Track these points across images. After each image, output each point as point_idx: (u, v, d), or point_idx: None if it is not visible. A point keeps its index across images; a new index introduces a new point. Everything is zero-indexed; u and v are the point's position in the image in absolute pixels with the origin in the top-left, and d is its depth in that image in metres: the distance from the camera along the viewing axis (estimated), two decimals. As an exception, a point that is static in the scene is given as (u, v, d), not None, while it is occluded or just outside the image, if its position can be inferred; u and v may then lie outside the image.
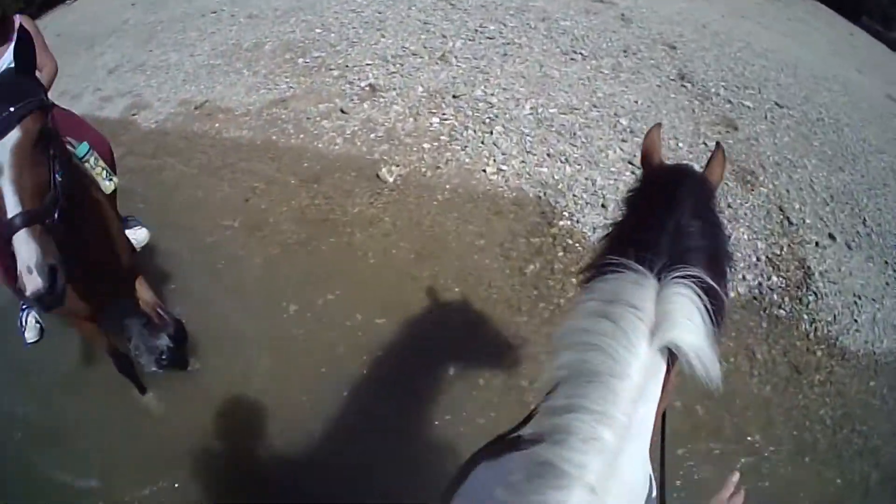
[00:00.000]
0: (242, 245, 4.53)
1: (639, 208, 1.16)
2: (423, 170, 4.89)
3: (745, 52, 6.91)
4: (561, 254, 4.18)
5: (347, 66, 6.20)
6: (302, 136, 5.41)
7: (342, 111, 5.56)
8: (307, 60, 6.44)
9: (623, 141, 5.09)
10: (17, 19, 3.02)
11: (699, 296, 0.88)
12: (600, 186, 4.64)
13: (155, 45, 7.80)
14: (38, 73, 3.09)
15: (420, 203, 4.60)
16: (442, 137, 5.14)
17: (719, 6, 8.94)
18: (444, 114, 5.36)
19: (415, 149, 5.06)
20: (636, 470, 0.88)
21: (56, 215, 1.96)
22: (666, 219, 0.99)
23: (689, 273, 0.89)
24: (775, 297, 4.08)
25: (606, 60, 6.08)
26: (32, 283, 1.81)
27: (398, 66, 6.07)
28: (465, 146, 5.02)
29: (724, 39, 7.13)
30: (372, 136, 5.25)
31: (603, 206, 4.51)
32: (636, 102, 5.52)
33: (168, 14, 8.65)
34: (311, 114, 5.63)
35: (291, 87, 6.06)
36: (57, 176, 2.00)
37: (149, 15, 8.89)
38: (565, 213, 4.44)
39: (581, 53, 6.15)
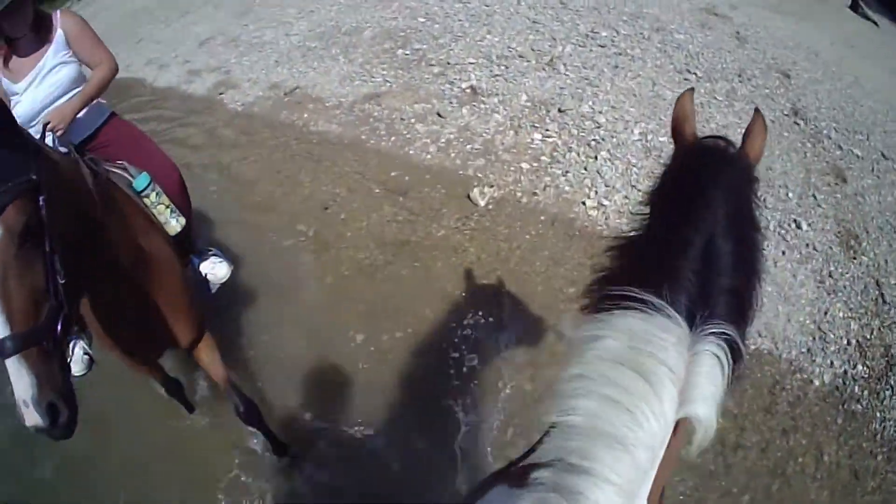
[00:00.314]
0: (314, 258, 4.13)
1: (667, 211, 1.00)
2: (519, 194, 4.31)
3: (855, 90, 5.95)
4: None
5: (449, 63, 5.66)
6: (393, 138, 4.93)
7: (439, 115, 5.04)
8: (407, 52, 5.94)
9: None
10: (57, 16, 2.62)
11: (728, 358, 0.80)
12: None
13: (251, 20, 7.50)
14: (85, 74, 2.69)
15: (510, 235, 4.03)
16: (542, 158, 4.54)
17: (828, 32, 7.86)
18: (547, 129, 4.75)
19: (512, 168, 4.49)
20: None
21: (59, 329, 1.48)
22: (696, 236, 0.87)
23: (723, 331, 0.80)
24: (856, 388, 3.37)
25: (721, 84, 5.30)
26: (30, 418, 1.38)
27: (503, 68, 5.48)
28: (567, 171, 4.41)
29: (836, 72, 6.17)
30: (468, 147, 4.71)
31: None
32: None
33: (269, -14, 8.32)
34: (405, 114, 5.13)
35: (388, 82, 5.58)
36: (59, 279, 1.50)
37: (249, -15, 8.59)
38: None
39: (696, 73, 5.38)
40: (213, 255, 3.17)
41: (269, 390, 3.36)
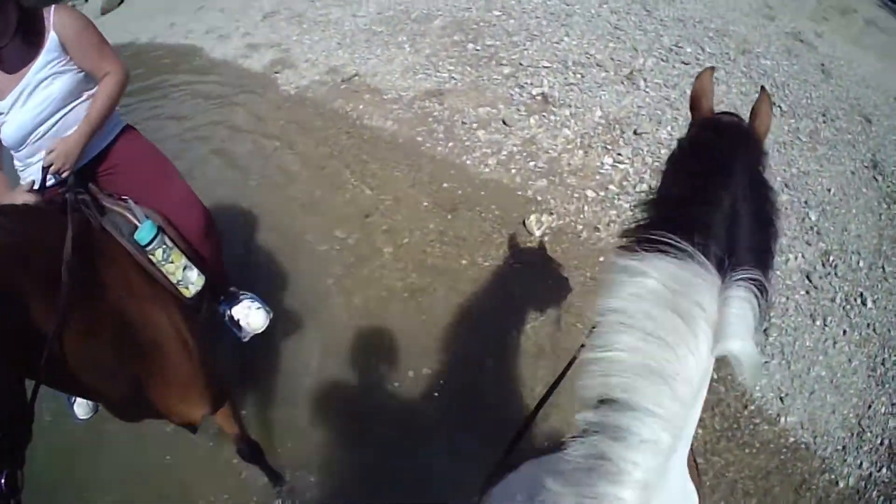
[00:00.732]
0: (346, 271, 3.72)
1: (689, 174, 1.05)
2: (580, 227, 3.79)
3: None
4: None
5: (521, 65, 5.13)
6: (451, 144, 4.46)
7: (504, 122, 4.54)
8: (478, 48, 5.44)
9: (807, 244, 3.76)
10: (50, 14, 2.05)
11: (757, 300, 0.84)
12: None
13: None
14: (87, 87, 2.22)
15: (563, 275, 3.52)
16: (611, 186, 4.00)
17: None
18: (619, 153, 4.20)
19: (576, 194, 3.97)
20: (682, 474, 0.91)
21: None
22: (721, 195, 0.93)
23: (750, 276, 0.84)
24: (875, 493, 2.87)
25: (805, 123, 4.64)
26: None
27: (578, 76, 4.93)
28: (636, 206, 3.84)
29: None
30: (531, 164, 4.20)
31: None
32: (829, 191, 4.12)
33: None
34: (467, 117, 4.65)
35: (453, 78, 5.10)
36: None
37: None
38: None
39: (780, 107, 4.73)
40: (248, 299, 2.71)
41: (275, 405, 3.11)
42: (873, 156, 4.56)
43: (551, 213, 3.83)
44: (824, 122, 4.75)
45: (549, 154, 4.25)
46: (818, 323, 3.40)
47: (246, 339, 2.70)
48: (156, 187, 2.25)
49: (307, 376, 3.20)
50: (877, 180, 4.39)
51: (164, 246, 2.01)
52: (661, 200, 1.10)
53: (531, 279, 3.50)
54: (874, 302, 3.49)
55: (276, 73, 5.91)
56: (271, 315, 2.73)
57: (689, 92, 1.27)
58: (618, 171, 4.08)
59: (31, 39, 2.03)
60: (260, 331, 2.69)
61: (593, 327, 0.89)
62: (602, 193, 3.95)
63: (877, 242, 3.90)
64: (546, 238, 3.71)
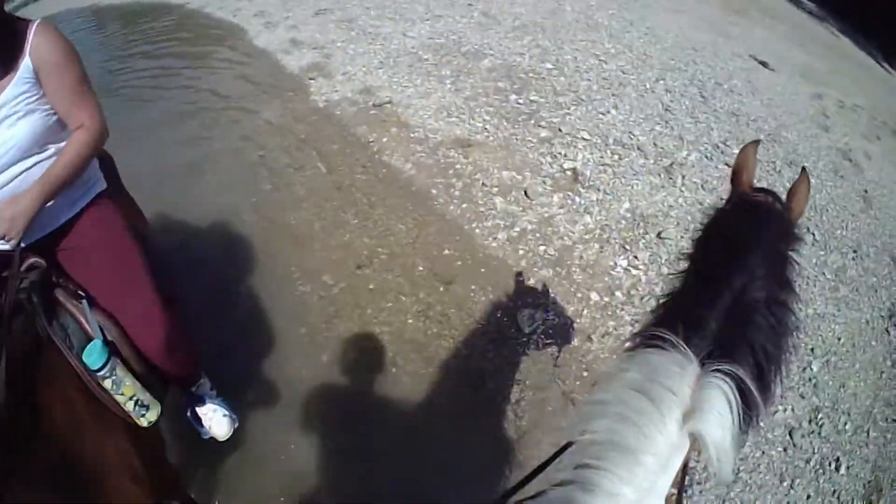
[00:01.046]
0: (320, 323, 3.47)
1: (700, 266, 1.16)
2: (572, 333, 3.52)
3: None
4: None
5: (560, 131, 4.86)
6: (465, 205, 4.20)
7: (526, 193, 4.27)
8: (520, 101, 5.18)
9: (801, 397, 3.45)
10: (31, 33, 1.67)
11: (733, 391, 0.89)
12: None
13: (375, 5, 6.88)
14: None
15: (542, 384, 3.24)
16: (617, 293, 3.71)
17: None
18: (636, 256, 3.91)
19: (579, 295, 3.68)
20: None
21: None
22: (723, 290, 1.00)
23: (729, 369, 0.90)
24: None
25: (834, 257, 4.34)
26: None
27: (616, 157, 4.65)
28: (636, 321, 3.57)
29: None
30: (542, 248, 3.93)
31: None
32: (838, 340, 3.82)
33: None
34: (490, 178, 4.39)
35: (486, 130, 4.84)
36: None
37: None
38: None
39: (814, 234, 4.44)
40: (215, 403, 2.40)
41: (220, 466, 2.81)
42: (892, 305, 4.26)
43: (547, 311, 3.55)
44: (854, 258, 4.46)
45: (564, 241, 3.98)
46: (785, 484, 3.11)
47: (206, 437, 2.45)
48: (118, 288, 1.87)
49: (255, 436, 2.95)
50: (888, 332, 4.11)
51: (115, 377, 1.68)
52: (672, 294, 1.18)
53: (506, 379, 3.23)
54: (847, 468, 3.22)
55: (311, 79, 5.69)
56: (236, 424, 2.45)
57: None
58: (629, 277, 3.80)
59: (3, 58, 1.65)
60: (223, 439, 2.41)
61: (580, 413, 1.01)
62: (606, 299, 3.67)
63: (869, 403, 3.61)
64: (536, 337, 3.44)
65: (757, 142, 1.34)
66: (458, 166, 4.48)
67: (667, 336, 0.94)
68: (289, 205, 4.27)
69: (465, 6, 6.75)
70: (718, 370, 0.90)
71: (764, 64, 7.20)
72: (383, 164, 4.56)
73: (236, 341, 3.30)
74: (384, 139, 4.79)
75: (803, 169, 1.28)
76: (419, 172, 4.46)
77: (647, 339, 1.00)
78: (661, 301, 1.20)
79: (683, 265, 1.21)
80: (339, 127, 4.99)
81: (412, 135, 4.81)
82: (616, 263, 3.88)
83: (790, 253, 1.10)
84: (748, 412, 0.93)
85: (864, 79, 9.63)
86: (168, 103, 5.72)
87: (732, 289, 0.99)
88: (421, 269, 3.76)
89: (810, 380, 3.57)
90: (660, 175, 4.56)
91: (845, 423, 3.41)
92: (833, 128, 6.29)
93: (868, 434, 3.40)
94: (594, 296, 3.68)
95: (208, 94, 5.69)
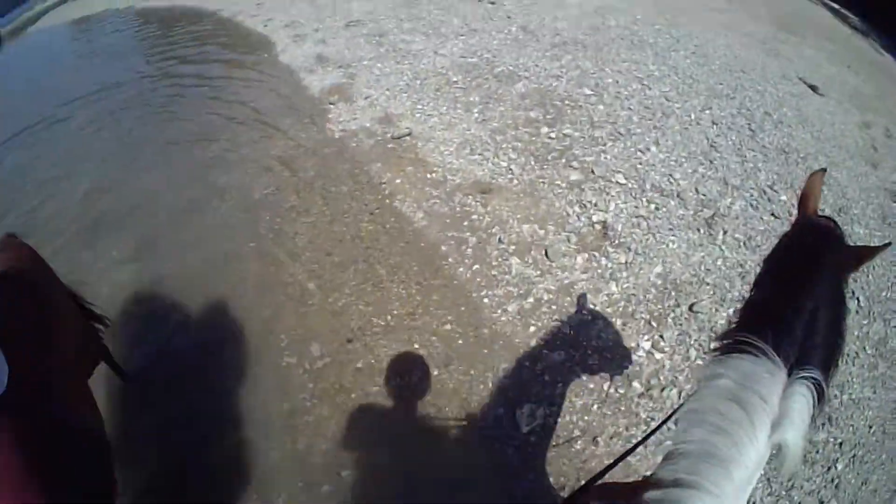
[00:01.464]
0: (302, 404, 3.11)
1: (781, 277, 1.19)
2: (576, 433, 3.00)
3: None
4: None
5: (593, 173, 4.33)
6: (476, 267, 3.73)
7: (546, 254, 3.78)
8: (552, 135, 4.65)
9: (820, 502, 2.90)
10: None
11: (814, 398, 0.95)
12: None
13: (409, 17, 6.42)
14: None
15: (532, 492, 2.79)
16: (635, 384, 3.17)
17: None
18: (661, 337, 3.38)
19: (591, 385, 3.18)
20: None
21: None
22: (805, 299, 1.04)
23: (813, 376, 0.95)
24: None
25: (877, 327, 3.70)
26: None
27: (652, 207, 4.10)
28: (650, 423, 3.05)
29: None
30: (556, 324, 3.44)
31: None
32: (869, 429, 3.27)
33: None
34: (508, 233, 3.91)
35: (511, 171, 4.35)
36: None
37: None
38: None
39: (858, 299, 3.83)
40: None
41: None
42: None
43: (551, 406, 3.07)
44: None
45: (582, 315, 3.47)
46: None
47: None
48: None
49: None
50: None
51: None
52: (754, 301, 1.20)
53: (491, 486, 2.79)
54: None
55: (332, 103, 5.31)
56: None
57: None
58: (651, 363, 3.27)
59: None
60: None
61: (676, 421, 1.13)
62: (622, 391, 3.15)
63: (888, 498, 3.06)
64: (534, 437, 2.97)
65: (824, 170, 1.39)
66: (474, 217, 4.02)
67: (758, 343, 0.98)
68: (286, 258, 3.92)
69: (504, 19, 6.22)
70: (804, 378, 0.95)
71: (814, 88, 6.49)
72: (393, 212, 4.14)
73: (216, 414, 3.05)
74: (398, 180, 4.36)
75: (888, 244, 1.29)
76: (431, 223, 4.01)
77: (738, 343, 1.02)
78: (745, 302, 1.22)
79: (759, 274, 1.25)
80: (352, 163, 4.59)
81: (429, 175, 4.36)
82: (639, 345, 3.35)
83: (847, 274, 1.15)
84: (819, 410, 0.96)
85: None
86: (177, 130, 5.46)
87: (813, 298, 1.03)
88: (417, 346, 3.34)
89: (832, 480, 3.02)
90: (699, 230, 3.98)
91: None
92: (882, 162, 5.53)
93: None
94: (607, 385, 3.17)
95: (223, 121, 5.38)
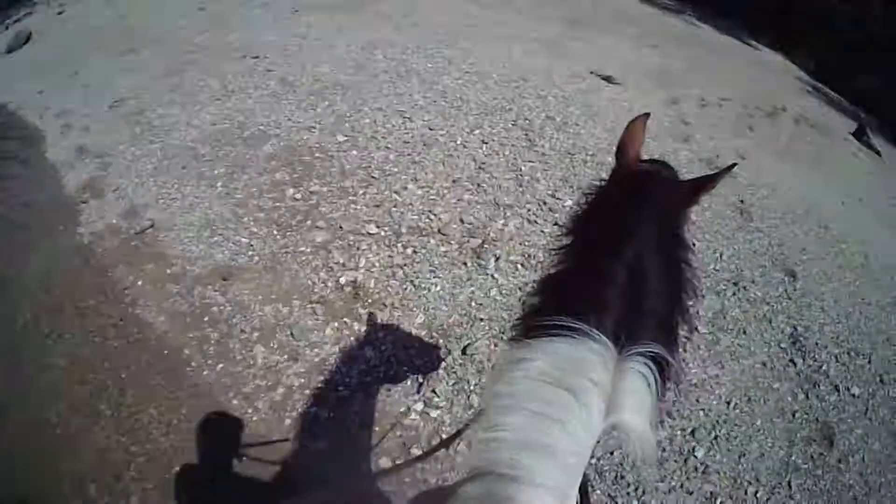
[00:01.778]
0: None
1: (591, 243, 1.08)
2: None
3: (864, 279, 4.71)
4: None
5: (341, 228, 4.30)
6: (220, 366, 3.61)
7: (292, 334, 3.73)
8: (297, 195, 4.59)
9: (688, 493, 3.04)
10: None
11: (653, 372, 0.88)
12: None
13: (170, 87, 6.17)
14: None
15: None
16: (415, 452, 3.19)
17: (837, 184, 6.54)
18: (434, 392, 3.42)
19: (363, 467, 3.18)
20: None
21: None
22: (619, 266, 0.95)
23: (647, 350, 0.88)
24: None
25: (709, 302, 3.97)
26: None
27: (409, 252, 4.13)
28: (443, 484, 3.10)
29: (845, 255, 4.92)
30: (314, 410, 3.39)
31: None
32: (727, 405, 3.49)
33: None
34: (250, 319, 3.83)
35: (252, 247, 4.26)
36: None
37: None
38: None
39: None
40: None
41: None
42: (793, 330, 3.93)
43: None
44: (735, 293, 4.16)
45: (339, 393, 3.45)
46: None
47: None
48: None
49: None
50: (794, 364, 3.80)
51: None
52: (557, 277, 1.08)
53: None
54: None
55: (83, 202, 5.04)
56: None
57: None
58: (428, 423, 3.28)
59: None
60: None
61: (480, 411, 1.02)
62: (399, 461, 3.14)
63: (784, 454, 3.29)
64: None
65: (647, 114, 1.28)
66: (214, 309, 3.91)
67: (574, 323, 0.90)
68: (47, 396, 3.67)
69: (264, 74, 6.07)
70: (638, 353, 0.88)
71: (608, 79, 6.69)
72: (136, 322, 3.96)
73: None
74: (139, 282, 4.18)
75: (732, 165, 1.29)
76: (172, 326, 3.88)
77: (550, 326, 0.92)
78: (543, 282, 1.11)
79: (564, 243, 1.13)
80: (98, 272, 4.36)
81: (168, 271, 4.20)
82: (410, 408, 3.36)
83: (684, 216, 1.09)
84: (665, 384, 0.91)
85: (729, 66, 9.22)
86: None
87: (626, 262, 0.95)
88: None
89: (696, 468, 3.17)
90: (465, 264, 4.04)
91: (756, 493, 3.08)
92: (695, 135, 5.77)
93: (790, 486, 3.14)
94: (384, 462, 3.15)
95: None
